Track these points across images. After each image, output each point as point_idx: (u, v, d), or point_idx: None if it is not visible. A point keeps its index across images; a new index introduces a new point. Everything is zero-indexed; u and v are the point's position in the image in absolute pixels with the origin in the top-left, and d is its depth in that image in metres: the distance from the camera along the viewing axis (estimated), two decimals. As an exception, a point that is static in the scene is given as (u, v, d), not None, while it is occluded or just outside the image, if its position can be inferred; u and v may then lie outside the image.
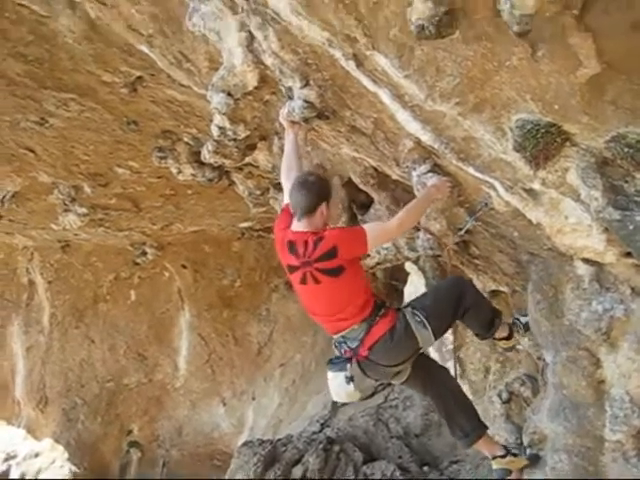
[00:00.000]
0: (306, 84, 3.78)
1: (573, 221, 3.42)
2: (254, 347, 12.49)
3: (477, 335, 4.44)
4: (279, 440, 9.37)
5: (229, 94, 4.35)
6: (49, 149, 8.23)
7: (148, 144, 7.72)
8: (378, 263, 5.06)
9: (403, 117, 3.57)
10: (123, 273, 12.41)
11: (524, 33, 2.68)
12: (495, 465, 4.28)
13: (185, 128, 7.16)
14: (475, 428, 4.22)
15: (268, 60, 3.89)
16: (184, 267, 12.30)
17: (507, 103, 3.13)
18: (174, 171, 7.57)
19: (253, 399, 12.32)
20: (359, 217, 5.12)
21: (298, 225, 3.79)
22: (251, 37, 3.95)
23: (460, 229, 4.16)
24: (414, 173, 3.84)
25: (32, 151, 8.29)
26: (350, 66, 3.49)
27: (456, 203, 3.94)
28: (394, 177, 4.32)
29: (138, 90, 6.51)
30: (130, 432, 12.68)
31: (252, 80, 4.22)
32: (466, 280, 4.33)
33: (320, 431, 9.67)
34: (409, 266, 6.01)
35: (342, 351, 3.89)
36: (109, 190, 9.26)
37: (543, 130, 3.09)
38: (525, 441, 4.36)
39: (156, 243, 11.57)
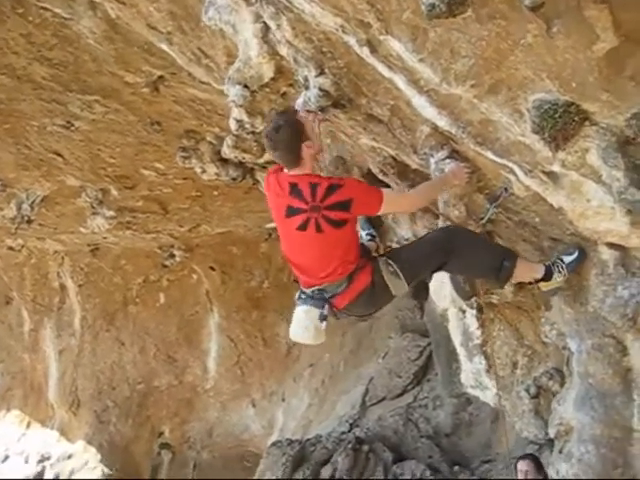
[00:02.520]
0: (321, 72, 3.75)
1: (595, 204, 3.33)
2: (283, 348, 12.48)
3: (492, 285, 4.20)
4: (308, 440, 9.34)
5: (245, 86, 4.34)
6: (76, 152, 8.33)
7: (172, 144, 7.78)
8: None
9: (419, 103, 3.53)
10: (152, 276, 12.51)
11: (537, 7, 2.63)
12: (544, 288, 4.08)
13: (208, 127, 7.19)
14: (506, 257, 3.87)
15: (283, 50, 3.88)
16: (212, 269, 12.35)
17: (523, 83, 3.07)
18: (198, 171, 7.60)
19: (283, 400, 12.31)
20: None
21: (293, 172, 3.66)
22: (266, 28, 3.95)
23: (482, 218, 4.08)
24: (432, 160, 3.78)
25: (60, 155, 8.40)
26: (364, 52, 3.46)
27: (475, 189, 3.88)
28: (413, 166, 4.27)
29: (160, 90, 6.55)
30: (161, 434, 12.76)
31: (268, 71, 4.22)
32: (458, 228, 3.99)
33: (349, 431, 9.61)
34: (433, 260, 5.93)
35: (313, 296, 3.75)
36: (136, 192, 9.35)
37: (561, 110, 3.02)
38: (551, 433, 4.27)
39: (184, 245, 11.64)
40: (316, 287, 3.72)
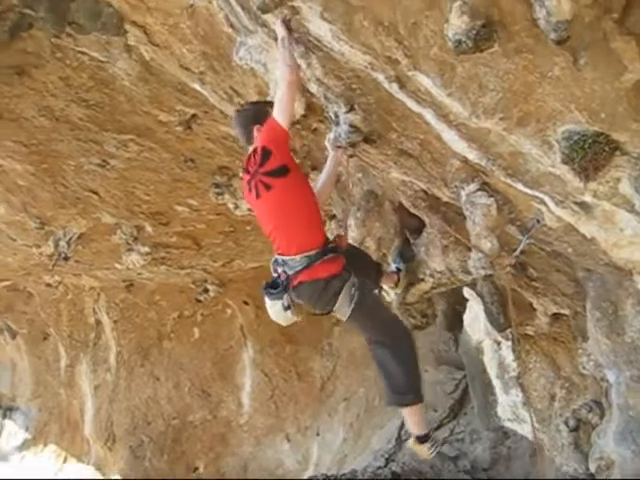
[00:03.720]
0: (351, 109, 3.82)
1: (629, 233, 3.31)
2: (317, 382, 12.42)
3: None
4: (343, 475, 9.24)
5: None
6: (111, 190, 8.50)
7: (205, 181, 7.91)
8: (433, 287, 5.00)
9: (449, 136, 3.56)
10: (186, 311, 12.60)
11: (563, 41, 2.65)
12: (411, 444, 4.43)
13: (240, 163, 7.30)
14: (414, 392, 4.22)
15: (313, 87, 3.95)
16: (246, 303, 12.39)
17: (552, 115, 3.08)
18: (231, 206, 7.71)
19: (317, 434, 12.20)
20: (412, 241, 5.09)
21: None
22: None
23: (514, 250, 4.08)
24: (463, 192, 3.80)
25: (96, 193, 8.59)
26: (393, 88, 3.51)
27: (507, 221, 3.88)
28: (444, 199, 4.29)
29: (193, 128, 6.70)
30: (196, 469, 12.72)
31: (299, 108, 4.31)
32: (411, 337, 4.36)
33: (385, 466, 9.49)
34: (467, 292, 5.91)
35: (278, 271, 4.04)
36: (170, 228, 9.48)
37: (591, 140, 3.02)
38: (591, 467, 4.19)
39: (217, 280, 11.73)
40: (282, 257, 4.00)
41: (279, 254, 4.03)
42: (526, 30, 2.84)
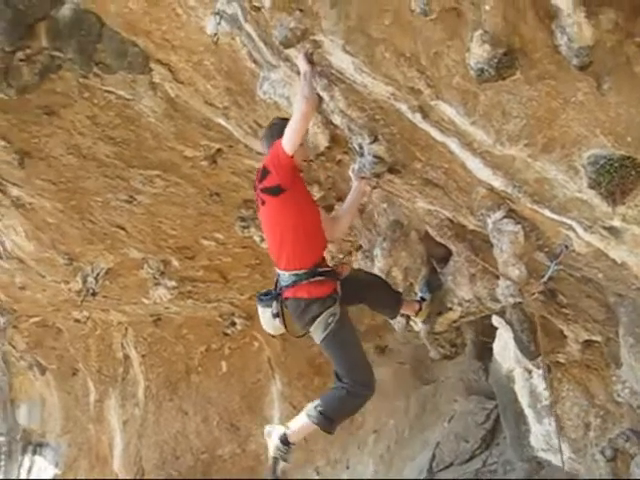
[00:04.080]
0: (375, 139, 3.84)
1: (660, 257, 3.28)
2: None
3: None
4: (375, 509, 9.11)
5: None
6: (138, 226, 8.60)
7: (231, 214, 7.97)
8: (461, 316, 4.96)
9: (473, 164, 3.56)
10: (214, 344, 12.59)
11: (585, 66, 2.65)
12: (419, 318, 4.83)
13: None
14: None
15: (337, 119, 3.99)
16: (273, 336, 12.36)
17: (577, 140, 3.07)
18: (257, 239, 7.75)
19: (347, 467, 12.03)
20: (439, 271, 5.07)
21: None
22: (319, 99, 4.08)
23: (543, 276, 4.04)
24: (489, 220, 3.79)
25: (123, 228, 8.69)
26: (417, 118, 3.53)
27: (535, 248, 3.85)
28: (470, 227, 4.28)
29: (218, 162, 6.78)
30: (226, 503, 12.62)
31: (323, 141, 4.34)
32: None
33: (417, 498, 9.35)
34: (496, 320, 5.86)
35: (275, 283, 4.26)
36: (196, 262, 9.54)
37: (617, 164, 3.00)
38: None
39: (244, 313, 11.72)
40: (279, 270, 4.20)
41: (277, 267, 4.26)
42: (548, 57, 2.85)
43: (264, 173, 4.06)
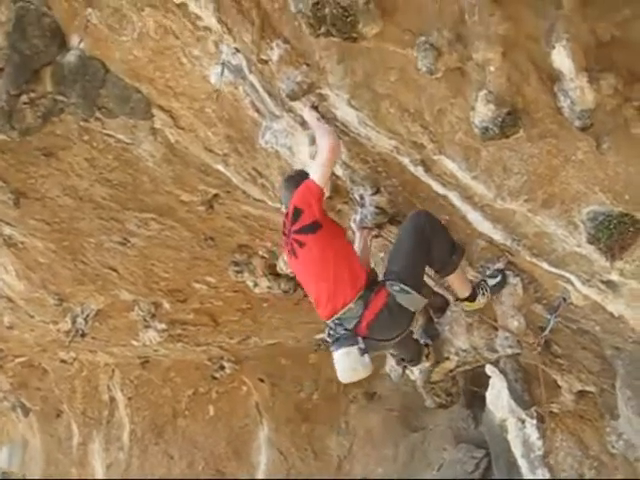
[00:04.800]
0: (377, 191, 3.93)
1: (657, 312, 3.34)
2: (334, 461, 12.17)
3: (437, 271, 4.11)
4: None
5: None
6: (130, 267, 8.56)
7: (224, 259, 7.96)
8: (457, 366, 4.98)
9: (474, 217, 3.64)
10: (201, 388, 12.48)
11: (586, 128, 2.76)
12: (467, 308, 4.32)
13: (260, 242, 7.38)
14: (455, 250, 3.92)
15: (339, 170, 4.07)
16: (261, 381, 12.28)
17: (576, 196, 3.17)
18: (250, 284, 7.75)
19: (335, 515, 11.92)
20: (436, 320, 5.11)
21: None
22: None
23: (544, 329, 4.09)
24: (488, 272, 3.86)
25: (115, 270, 8.64)
26: (419, 171, 3.62)
27: (533, 300, 3.91)
28: (469, 277, 4.33)
29: (215, 207, 6.80)
30: None
31: (325, 191, 4.39)
32: (422, 215, 3.87)
33: None
34: (490, 369, 5.88)
35: (339, 332, 3.83)
36: (187, 305, 9.49)
37: (616, 221, 3.10)
38: None
39: (234, 357, 11.66)
40: (335, 316, 3.84)
41: (331, 313, 3.88)
42: (549, 117, 2.96)
43: (296, 214, 3.87)
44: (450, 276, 3.98)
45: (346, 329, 3.81)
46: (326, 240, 3.85)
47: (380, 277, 4.04)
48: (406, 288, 3.71)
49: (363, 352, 3.76)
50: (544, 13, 2.73)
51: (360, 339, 3.77)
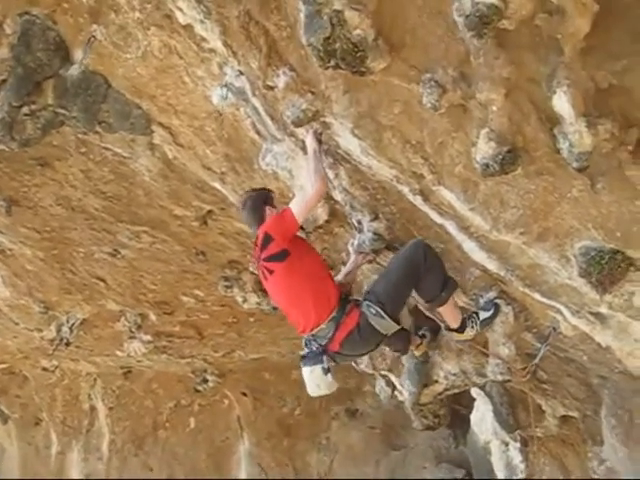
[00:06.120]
0: (375, 217, 4.02)
1: (643, 344, 3.47)
2: (314, 477, 12.15)
3: (426, 302, 4.14)
4: None
5: (301, 227, 4.61)
6: (119, 278, 8.55)
7: (214, 273, 7.99)
8: (446, 389, 5.08)
9: (469, 247, 3.75)
10: (183, 400, 12.42)
11: (583, 168, 2.89)
12: (456, 338, 4.30)
13: (251, 258, 7.43)
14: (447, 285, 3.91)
15: (338, 196, 4.16)
16: (244, 395, 12.25)
17: (570, 232, 3.29)
18: (239, 300, 7.78)
19: (313, 533, 11.91)
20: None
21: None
22: (323, 176, 4.25)
23: (534, 357, 4.19)
24: (481, 300, 3.97)
25: (103, 280, 8.62)
26: (417, 200, 3.72)
27: (523, 328, 4.02)
28: (460, 304, 4.43)
29: (208, 223, 6.85)
30: None
31: (323, 214, 4.51)
32: (420, 248, 3.84)
33: None
34: (475, 392, 5.97)
35: (312, 348, 4.01)
36: (174, 318, 9.48)
37: (607, 256, 3.23)
38: None
39: (217, 370, 11.64)
40: (309, 333, 3.98)
41: (304, 332, 4.06)
42: (547, 155, 3.09)
43: (266, 241, 3.94)
44: (440, 308, 4.07)
45: (320, 344, 3.96)
46: (294, 267, 3.93)
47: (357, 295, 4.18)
48: (381, 313, 3.82)
49: (326, 371, 3.95)
50: (546, 59, 2.87)
51: (325, 358, 3.94)
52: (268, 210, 4.08)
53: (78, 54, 5.42)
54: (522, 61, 2.91)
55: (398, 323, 3.94)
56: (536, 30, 2.85)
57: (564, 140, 2.86)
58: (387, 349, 5.22)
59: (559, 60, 2.79)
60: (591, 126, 2.76)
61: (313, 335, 4.00)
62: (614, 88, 2.86)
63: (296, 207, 3.85)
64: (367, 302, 3.89)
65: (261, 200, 4.14)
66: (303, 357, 4.11)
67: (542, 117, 2.98)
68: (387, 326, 3.87)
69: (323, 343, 3.96)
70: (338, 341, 3.93)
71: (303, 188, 3.97)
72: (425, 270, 3.77)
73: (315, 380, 4.03)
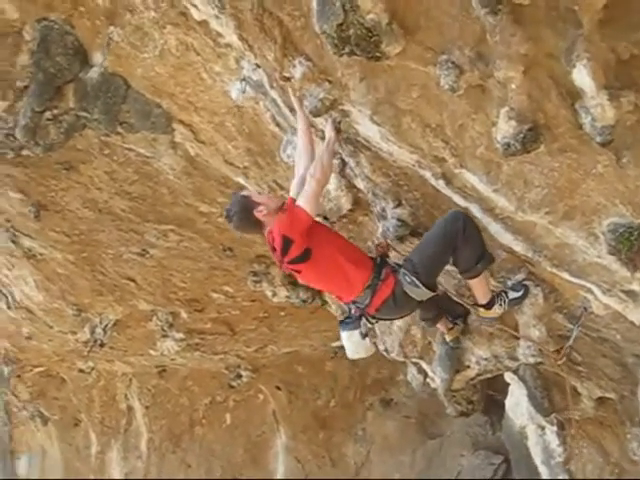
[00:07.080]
0: (399, 204, 4.00)
1: (678, 321, 3.40)
2: (351, 468, 12.18)
3: (460, 272, 4.12)
4: None
5: (325, 218, 4.61)
6: (149, 278, 8.65)
7: (242, 269, 8.04)
8: (478, 374, 5.04)
9: (495, 229, 3.71)
10: (218, 397, 12.52)
11: (607, 143, 2.82)
12: (482, 315, 4.31)
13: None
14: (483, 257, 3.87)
15: (361, 184, 4.14)
16: (278, 389, 12.31)
17: (597, 209, 3.23)
18: (269, 294, 7.81)
19: (352, 521, 11.92)
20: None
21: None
22: (343, 163, 4.24)
23: (567, 338, 4.14)
24: (509, 283, 3.91)
25: (133, 280, 8.73)
26: (440, 184, 3.69)
27: (554, 309, 3.97)
28: (490, 288, 4.38)
29: (234, 219, 6.87)
30: None
31: (346, 203, 4.49)
32: (460, 220, 3.79)
33: None
34: (509, 376, 5.91)
35: (352, 310, 4.18)
36: (205, 315, 9.56)
37: (636, 232, 3.16)
38: None
39: (250, 366, 11.70)
40: (352, 300, 4.14)
41: (347, 302, 4.22)
42: (570, 131, 3.03)
43: (286, 244, 3.89)
44: (472, 280, 4.07)
45: (358, 307, 4.12)
46: (319, 259, 3.95)
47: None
48: (417, 282, 3.88)
49: (364, 336, 4.16)
50: (564, 33, 2.81)
51: (363, 323, 4.14)
52: (260, 211, 3.98)
53: (97, 57, 5.49)
54: (539, 36, 2.85)
55: (433, 290, 4.01)
56: (552, 3, 2.79)
57: (586, 115, 2.80)
58: (418, 335, 5.21)
59: (577, 33, 2.73)
60: (613, 98, 2.69)
61: (353, 301, 4.14)
62: (636, 59, 2.79)
63: (304, 201, 3.84)
64: (403, 270, 3.96)
65: (243, 205, 4.04)
66: (341, 322, 4.31)
67: (562, 92, 2.92)
68: (422, 294, 3.96)
69: (362, 306, 4.09)
70: (375, 307, 4.06)
71: (312, 176, 3.84)
72: (463, 240, 3.76)
73: (354, 344, 4.22)
